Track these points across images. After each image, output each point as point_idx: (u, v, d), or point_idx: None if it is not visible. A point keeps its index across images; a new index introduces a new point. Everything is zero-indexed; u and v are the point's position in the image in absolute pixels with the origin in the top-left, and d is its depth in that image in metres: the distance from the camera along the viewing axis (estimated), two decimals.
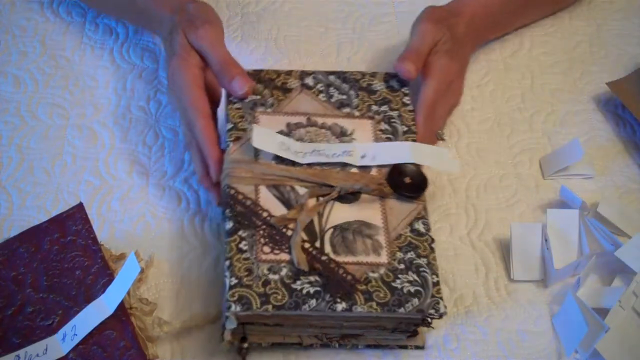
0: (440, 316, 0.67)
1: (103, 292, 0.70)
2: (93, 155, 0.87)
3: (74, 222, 0.75)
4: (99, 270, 0.71)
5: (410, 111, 0.79)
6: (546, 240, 0.76)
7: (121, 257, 0.76)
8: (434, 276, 0.68)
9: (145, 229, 0.81)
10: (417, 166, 0.75)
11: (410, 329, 0.70)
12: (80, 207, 0.76)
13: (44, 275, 0.72)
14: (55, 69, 0.96)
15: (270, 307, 0.65)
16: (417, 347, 0.72)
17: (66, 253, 0.73)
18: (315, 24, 0.99)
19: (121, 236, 0.80)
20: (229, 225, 0.70)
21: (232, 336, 0.68)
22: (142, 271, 0.73)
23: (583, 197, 0.79)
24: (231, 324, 0.66)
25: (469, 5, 0.85)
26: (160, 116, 0.90)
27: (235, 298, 0.65)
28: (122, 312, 0.69)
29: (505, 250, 0.79)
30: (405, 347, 0.72)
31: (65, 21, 1.00)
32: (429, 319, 0.69)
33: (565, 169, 0.83)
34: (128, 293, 0.70)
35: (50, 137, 0.89)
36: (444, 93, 0.81)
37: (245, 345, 0.70)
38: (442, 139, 0.83)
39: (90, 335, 0.68)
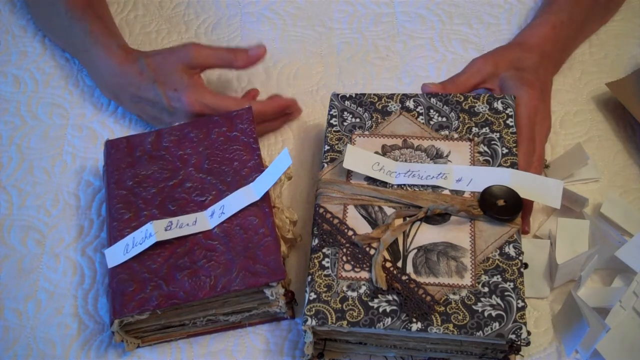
0: (526, 343, 0.64)
1: None
2: (93, 155, 0.88)
3: (241, 121, 0.82)
4: (254, 165, 0.78)
5: (512, 133, 0.76)
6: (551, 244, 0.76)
7: None
8: (519, 301, 0.66)
9: None
10: (511, 188, 0.72)
11: (498, 356, 0.68)
12: (249, 109, 0.83)
13: (207, 159, 0.79)
14: (55, 69, 0.96)
15: (345, 322, 0.66)
16: None
17: (229, 145, 0.80)
18: (316, 24, 0.99)
19: None
20: (314, 242, 0.71)
21: (314, 350, 0.69)
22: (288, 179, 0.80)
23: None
24: (308, 338, 0.67)
25: (535, 37, 0.87)
26: None
27: (312, 312, 0.67)
28: (266, 204, 0.75)
29: None
30: None
31: None
32: (518, 346, 0.66)
33: (570, 175, 0.82)
34: (274, 191, 0.76)
35: (50, 137, 0.89)
36: (534, 118, 0.80)
37: None
38: (547, 166, 0.82)
39: (236, 216, 0.74)
